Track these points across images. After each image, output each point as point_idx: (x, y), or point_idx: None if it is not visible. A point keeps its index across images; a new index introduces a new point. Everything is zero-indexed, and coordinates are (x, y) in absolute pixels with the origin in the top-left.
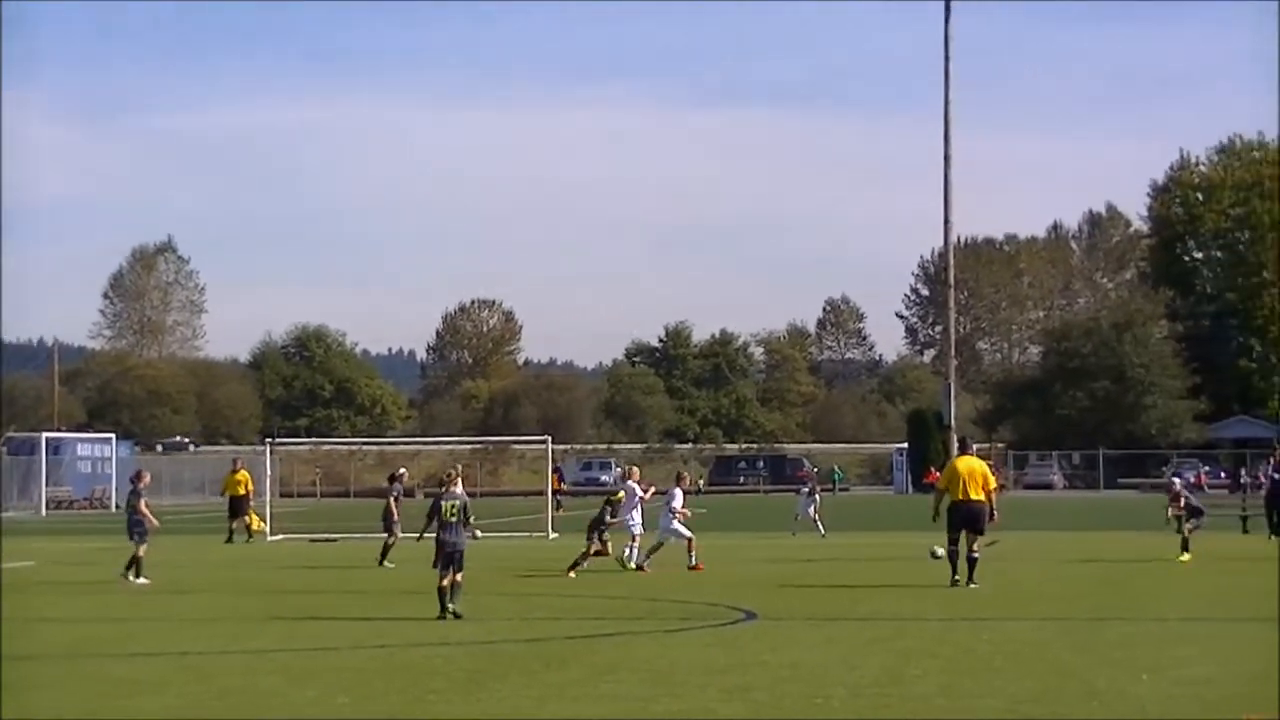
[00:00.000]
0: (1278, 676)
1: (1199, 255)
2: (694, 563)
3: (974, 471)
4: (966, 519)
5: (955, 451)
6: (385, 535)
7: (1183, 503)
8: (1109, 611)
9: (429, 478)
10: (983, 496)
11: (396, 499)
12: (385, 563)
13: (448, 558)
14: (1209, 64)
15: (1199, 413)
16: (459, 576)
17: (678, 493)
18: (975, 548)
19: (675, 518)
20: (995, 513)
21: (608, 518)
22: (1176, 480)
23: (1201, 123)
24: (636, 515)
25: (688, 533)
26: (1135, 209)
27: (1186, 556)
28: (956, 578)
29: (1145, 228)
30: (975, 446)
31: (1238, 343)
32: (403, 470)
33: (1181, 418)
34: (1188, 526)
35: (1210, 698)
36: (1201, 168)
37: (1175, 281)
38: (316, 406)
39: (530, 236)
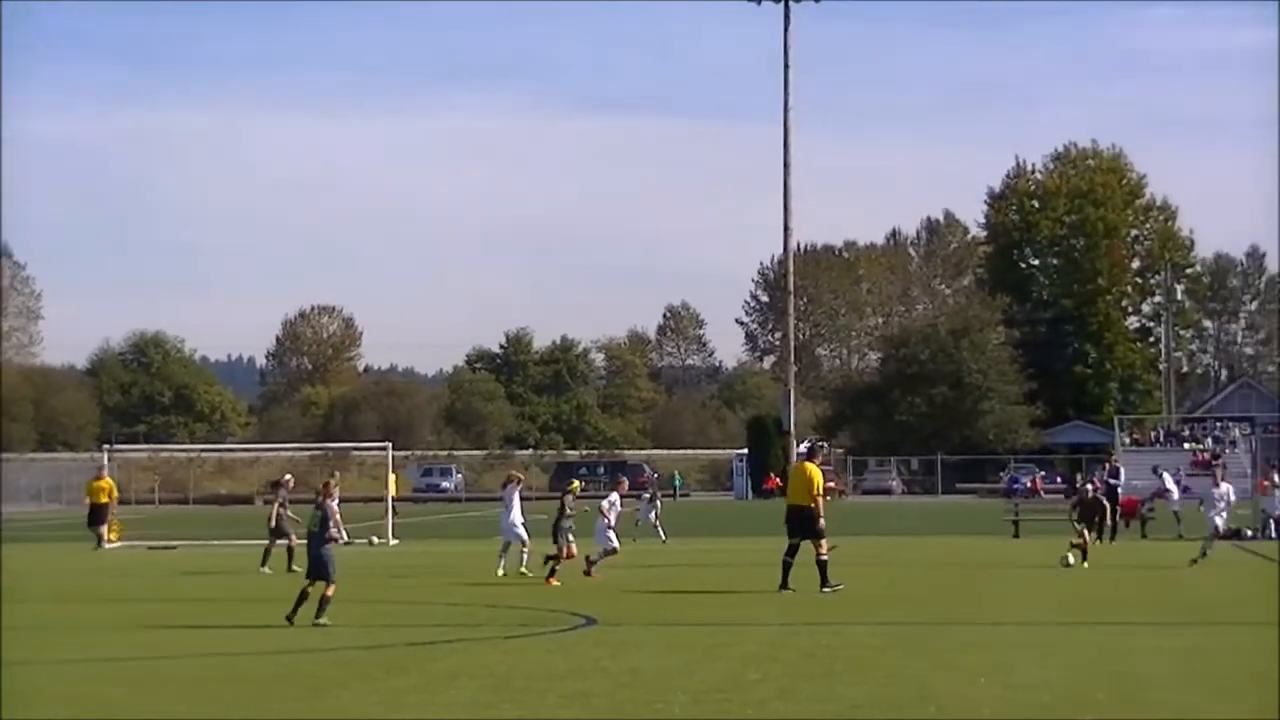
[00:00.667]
0: (1105, 677)
1: (1035, 262)
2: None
3: (799, 476)
4: (791, 523)
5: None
6: (269, 541)
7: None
8: (947, 616)
9: (267, 485)
10: (807, 501)
11: (283, 505)
12: (264, 567)
13: (312, 568)
14: (1044, 73)
15: (1035, 418)
16: (329, 590)
17: (614, 497)
18: (821, 552)
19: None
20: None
21: (567, 512)
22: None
23: (1037, 131)
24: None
25: (615, 542)
26: (973, 216)
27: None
28: (789, 587)
29: (982, 235)
30: (814, 448)
31: (1073, 349)
32: (288, 477)
33: (1018, 423)
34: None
35: (1045, 700)
36: (1037, 175)
37: (1012, 288)
38: (155, 413)
39: (371, 243)
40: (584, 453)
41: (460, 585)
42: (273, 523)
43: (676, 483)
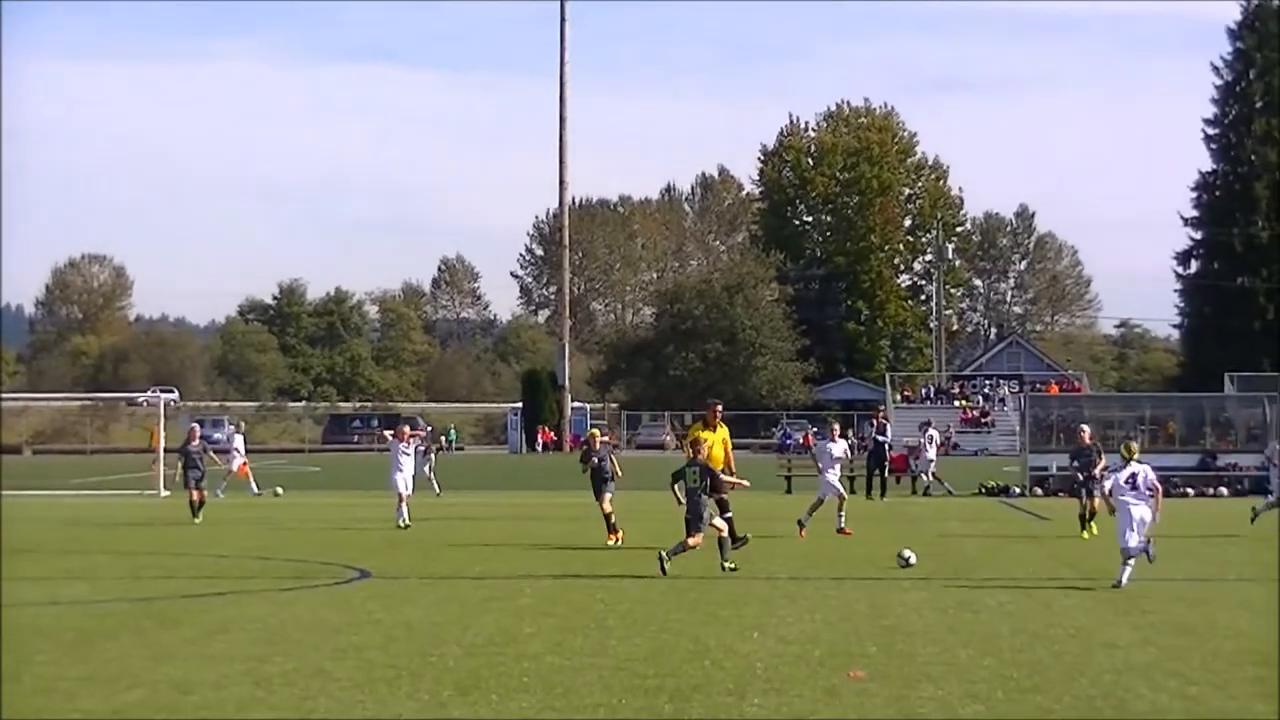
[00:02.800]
0: (876, 631)
1: (809, 219)
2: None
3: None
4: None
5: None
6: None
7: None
8: (719, 571)
9: (36, 434)
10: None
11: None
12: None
13: None
14: (817, 30)
15: (807, 374)
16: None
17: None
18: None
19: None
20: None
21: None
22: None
23: (811, 91)
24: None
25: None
26: (747, 173)
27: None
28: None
29: (757, 191)
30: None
31: (845, 306)
32: (194, 425)
33: (790, 379)
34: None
35: (817, 654)
36: (811, 133)
37: (786, 245)
38: None
39: (141, 192)
40: (358, 405)
41: (232, 537)
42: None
43: (451, 436)
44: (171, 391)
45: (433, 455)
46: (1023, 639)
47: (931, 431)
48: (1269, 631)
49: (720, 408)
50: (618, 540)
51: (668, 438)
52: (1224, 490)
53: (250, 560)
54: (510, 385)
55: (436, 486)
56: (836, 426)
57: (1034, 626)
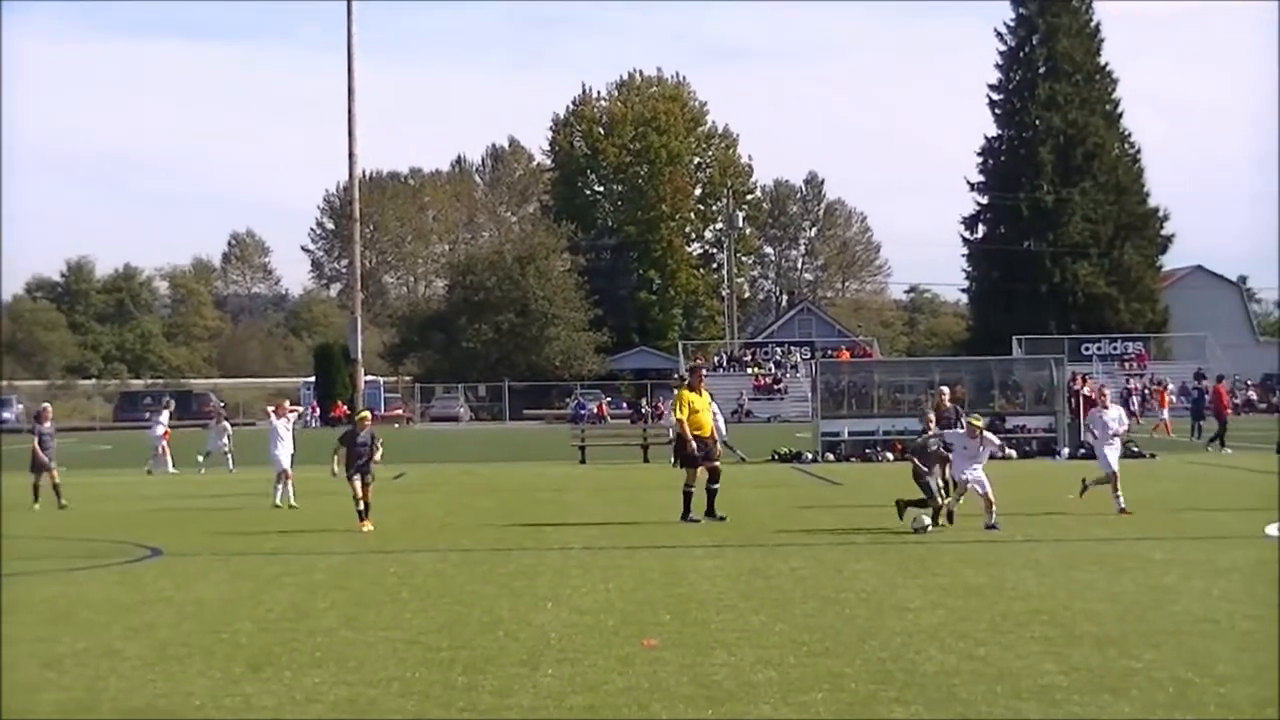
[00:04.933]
0: (669, 600)
1: (600, 189)
2: (1122, 505)
3: (704, 405)
4: (704, 452)
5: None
6: (34, 476)
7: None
8: (513, 542)
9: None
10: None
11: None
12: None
13: None
14: (607, 2)
15: (601, 344)
16: None
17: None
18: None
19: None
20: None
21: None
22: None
23: (601, 61)
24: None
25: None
26: (538, 144)
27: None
28: (693, 516)
29: (548, 162)
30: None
31: (637, 275)
32: (45, 405)
33: (584, 349)
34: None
35: (610, 624)
36: (602, 102)
37: (577, 215)
38: None
39: None
40: (149, 382)
41: (21, 517)
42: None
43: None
44: None
45: (228, 431)
46: (814, 604)
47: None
48: (1054, 591)
49: (704, 370)
50: (368, 527)
51: (462, 410)
52: (1013, 453)
53: (40, 541)
54: (303, 360)
55: (231, 462)
56: (1108, 389)
57: (825, 591)
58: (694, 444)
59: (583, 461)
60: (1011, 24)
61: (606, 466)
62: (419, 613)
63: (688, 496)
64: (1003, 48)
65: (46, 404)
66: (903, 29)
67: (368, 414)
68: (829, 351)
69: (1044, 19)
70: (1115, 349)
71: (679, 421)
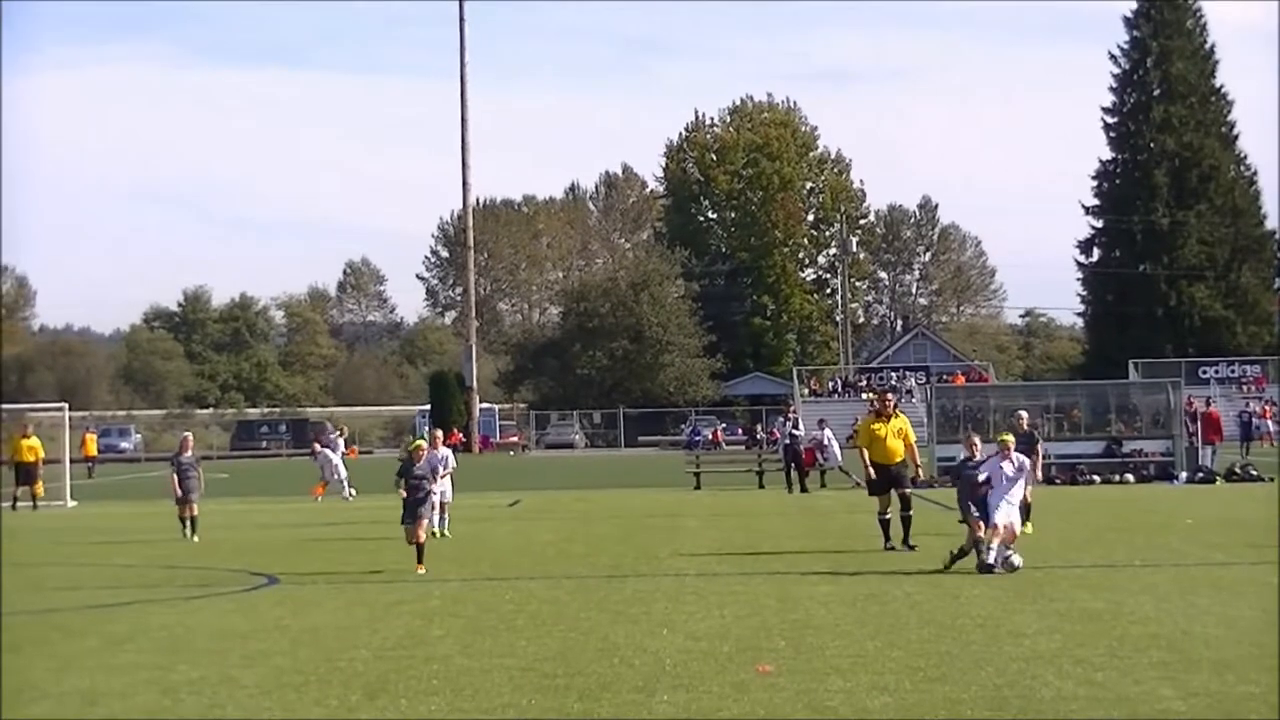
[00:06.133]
0: (784, 626)
1: (712, 215)
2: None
3: (897, 432)
4: (885, 479)
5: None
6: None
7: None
8: (629, 569)
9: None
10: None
11: None
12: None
13: None
14: (718, 28)
15: (715, 370)
16: None
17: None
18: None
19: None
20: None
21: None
22: None
23: (715, 85)
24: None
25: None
26: (650, 170)
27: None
28: (891, 544)
29: (660, 188)
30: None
31: (751, 301)
32: (187, 435)
33: (698, 375)
34: None
35: (725, 650)
36: (715, 129)
37: (690, 241)
38: None
39: (40, 199)
40: (265, 411)
41: (138, 546)
42: None
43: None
44: (63, 406)
45: (343, 459)
46: (930, 630)
47: (827, 430)
48: (1172, 616)
49: (892, 397)
50: (421, 570)
51: (577, 436)
52: (1130, 477)
53: (156, 569)
54: (418, 387)
55: (348, 490)
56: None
57: (941, 617)
58: (872, 470)
59: (697, 487)
60: (1125, 46)
61: (721, 492)
62: (534, 640)
63: (883, 524)
64: (1117, 70)
65: (188, 434)
66: (1016, 53)
67: (422, 443)
68: (944, 376)
69: (1158, 41)
70: (1233, 372)
71: (859, 449)
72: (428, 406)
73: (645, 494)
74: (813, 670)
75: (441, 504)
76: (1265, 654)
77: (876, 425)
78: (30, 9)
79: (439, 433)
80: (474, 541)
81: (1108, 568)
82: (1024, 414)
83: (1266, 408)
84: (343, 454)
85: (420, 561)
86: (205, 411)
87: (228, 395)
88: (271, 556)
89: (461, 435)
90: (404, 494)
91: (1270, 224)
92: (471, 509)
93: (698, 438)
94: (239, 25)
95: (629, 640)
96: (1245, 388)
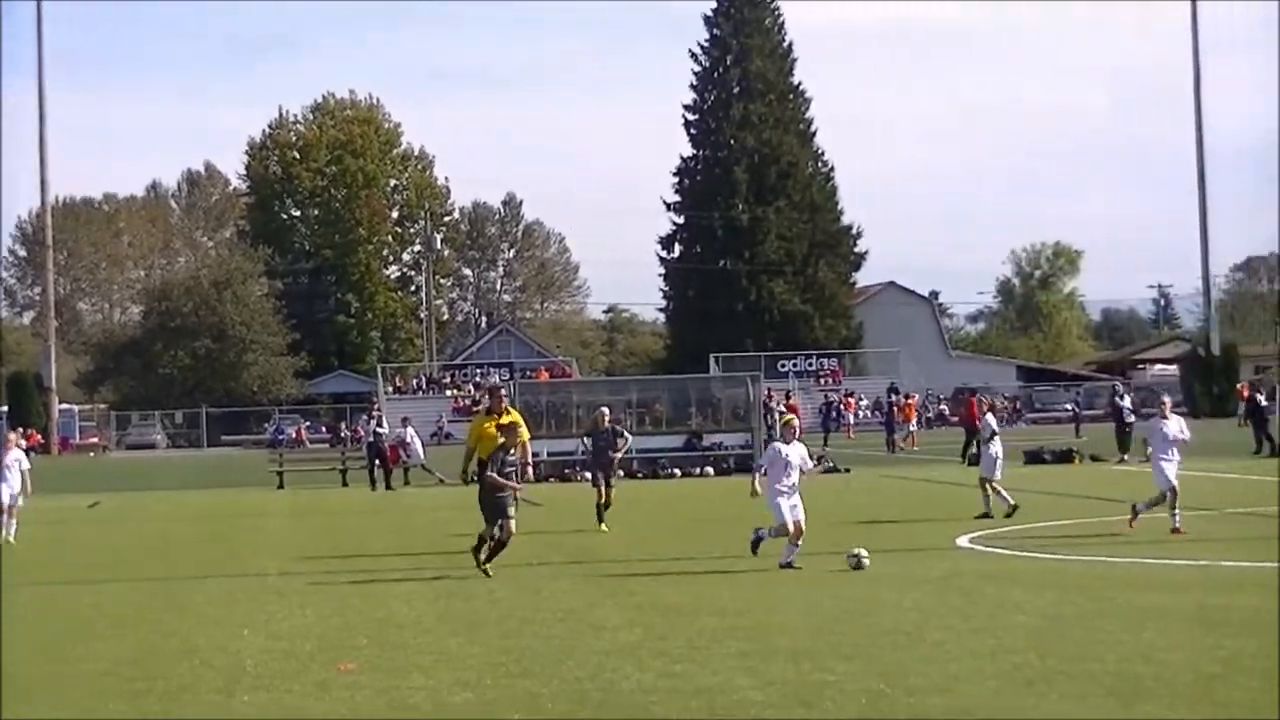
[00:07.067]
0: (367, 623)
1: (296, 213)
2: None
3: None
4: None
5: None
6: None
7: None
8: (211, 569)
9: None
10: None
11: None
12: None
13: None
14: (306, 24)
15: (299, 369)
16: None
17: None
18: None
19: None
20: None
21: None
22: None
23: (300, 83)
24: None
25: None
26: (234, 168)
27: None
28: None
29: (244, 187)
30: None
31: (336, 299)
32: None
33: (282, 374)
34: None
35: (307, 649)
36: (299, 126)
37: (273, 239)
38: None
39: None
40: None
41: None
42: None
43: None
44: None
45: None
46: (511, 624)
47: (410, 428)
48: (751, 607)
49: (505, 393)
50: None
51: (159, 437)
52: (710, 470)
53: None
54: None
55: None
56: (1167, 400)
57: (523, 611)
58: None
59: (281, 486)
60: (706, 45)
61: (305, 491)
62: (114, 642)
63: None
64: (697, 68)
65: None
66: (598, 54)
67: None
68: (528, 372)
69: (738, 39)
70: (811, 365)
71: (467, 448)
72: (5, 408)
73: (228, 494)
74: (395, 668)
75: (10, 507)
76: (844, 642)
77: (488, 424)
78: None
79: (12, 435)
80: (52, 545)
81: (688, 560)
82: (605, 410)
83: (849, 400)
84: None
85: None
86: None
87: None
88: None
89: (40, 436)
90: None
91: (845, 219)
92: (49, 511)
93: (281, 436)
94: None
95: (210, 641)
96: (823, 380)
